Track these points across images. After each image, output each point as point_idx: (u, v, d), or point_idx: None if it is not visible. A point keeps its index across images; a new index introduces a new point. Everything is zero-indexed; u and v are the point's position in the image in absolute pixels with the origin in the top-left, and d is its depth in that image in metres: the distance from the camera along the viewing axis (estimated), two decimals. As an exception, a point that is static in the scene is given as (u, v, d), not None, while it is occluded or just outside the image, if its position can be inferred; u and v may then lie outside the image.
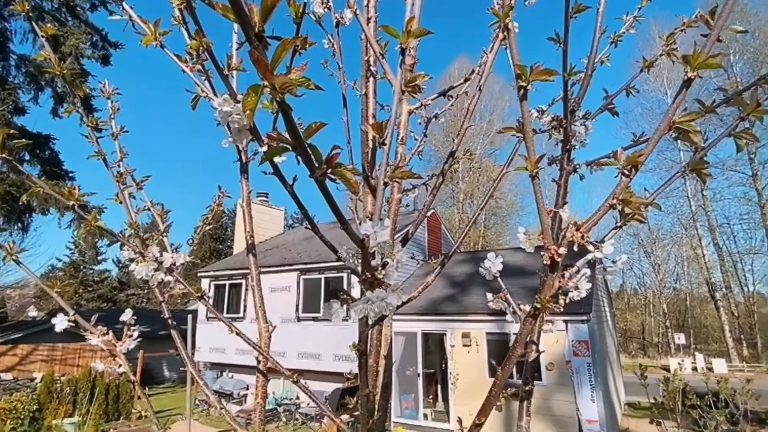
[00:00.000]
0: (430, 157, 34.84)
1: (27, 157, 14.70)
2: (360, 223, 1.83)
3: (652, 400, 5.01)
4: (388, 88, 1.76)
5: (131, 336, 1.48)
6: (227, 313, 14.47)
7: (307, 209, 0.91)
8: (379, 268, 0.64)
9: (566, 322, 8.79)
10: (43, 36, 1.31)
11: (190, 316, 9.14)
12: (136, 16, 1.22)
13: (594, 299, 9.79)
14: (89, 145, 1.63)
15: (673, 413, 4.88)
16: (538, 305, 0.81)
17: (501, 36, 1.30)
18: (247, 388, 13.61)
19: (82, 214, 1.12)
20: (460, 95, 1.65)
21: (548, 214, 0.82)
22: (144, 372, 14.34)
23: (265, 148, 0.81)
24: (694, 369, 22.12)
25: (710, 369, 21.32)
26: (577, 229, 0.78)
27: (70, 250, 38.51)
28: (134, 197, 1.75)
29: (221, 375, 14.27)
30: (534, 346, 1.30)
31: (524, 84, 0.74)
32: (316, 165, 0.50)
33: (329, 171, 0.51)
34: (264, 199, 18.36)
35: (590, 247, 0.81)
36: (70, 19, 15.24)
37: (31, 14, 1.35)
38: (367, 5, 1.51)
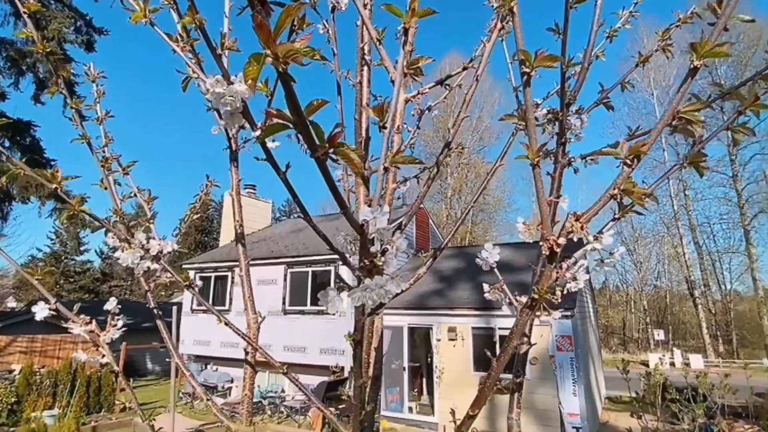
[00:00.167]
0: (420, 152, 34.85)
1: (6, 143, 14.30)
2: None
3: (633, 395, 5.12)
4: (381, 78, 1.73)
5: (115, 326, 1.44)
6: (212, 306, 14.33)
7: (300, 198, 0.88)
8: (379, 255, 0.62)
9: (549, 317, 8.89)
10: (25, 12, 1.26)
11: (175, 308, 9.02)
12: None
13: (578, 295, 9.93)
14: (71, 133, 1.57)
15: (653, 407, 4.99)
16: (536, 296, 0.80)
17: (499, 26, 1.28)
18: (232, 381, 13.54)
19: (66, 198, 1.07)
20: (453, 89, 1.63)
21: (548, 205, 0.81)
22: (127, 364, 14.16)
23: (258, 132, 0.78)
24: (672, 364, 22.69)
25: (687, 364, 21.89)
26: (577, 220, 0.78)
27: (51, 240, 37.68)
28: (119, 184, 1.70)
29: (205, 368, 14.16)
30: (525, 339, 1.30)
31: (528, 70, 0.73)
32: (318, 144, 0.48)
33: (331, 150, 0.49)
34: (251, 191, 18.17)
35: (590, 238, 0.81)
36: (53, 2, 14.80)
37: (11, -11, 1.29)
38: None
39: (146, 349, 17.66)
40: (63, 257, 37.31)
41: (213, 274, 14.65)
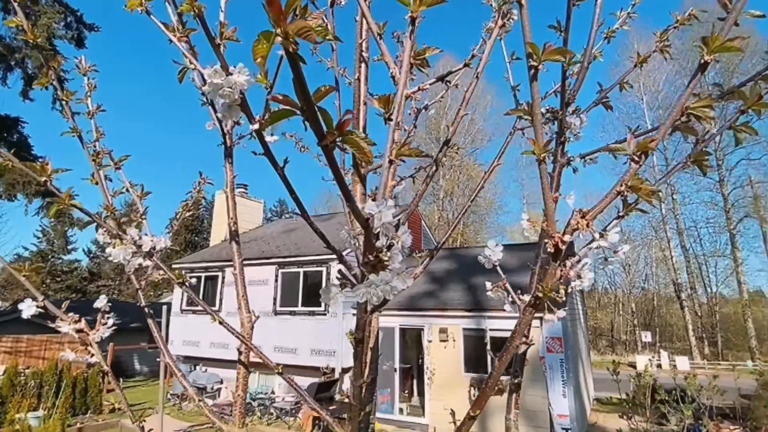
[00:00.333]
0: (412, 153, 34.83)
1: (-8, 140, 14.05)
2: (352, 219, 1.79)
3: (623, 396, 5.16)
4: (377, 76, 1.72)
5: (105, 324, 1.40)
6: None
7: (298, 194, 0.86)
8: (384, 250, 0.61)
9: (541, 318, 8.94)
10: (15, 0, 1.22)
11: (164, 308, 8.91)
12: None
13: (569, 296, 9.99)
14: (60, 131, 1.54)
15: (642, 408, 5.03)
16: (540, 294, 0.79)
17: (500, 23, 1.27)
18: (221, 382, 13.40)
19: (56, 191, 1.04)
20: (450, 88, 1.62)
21: (554, 201, 0.80)
22: (114, 365, 13.94)
23: (256, 126, 0.76)
24: (659, 366, 22.95)
25: (674, 366, 22.16)
26: (583, 217, 0.76)
27: (38, 238, 37.05)
28: (110, 180, 1.66)
29: (194, 369, 14.00)
30: (524, 338, 1.28)
31: (536, 63, 0.71)
32: (326, 131, 0.46)
33: (339, 139, 0.47)
34: (243, 191, 18.04)
35: (596, 236, 0.80)
36: (42, -4, 14.57)
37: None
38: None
39: (134, 350, 17.43)
40: (50, 256, 36.69)
41: (203, 274, 14.50)
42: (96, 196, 1.63)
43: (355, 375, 0.79)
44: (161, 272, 1.25)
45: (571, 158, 1.42)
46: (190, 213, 2.13)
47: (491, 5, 1.50)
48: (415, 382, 12.28)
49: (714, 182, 31.97)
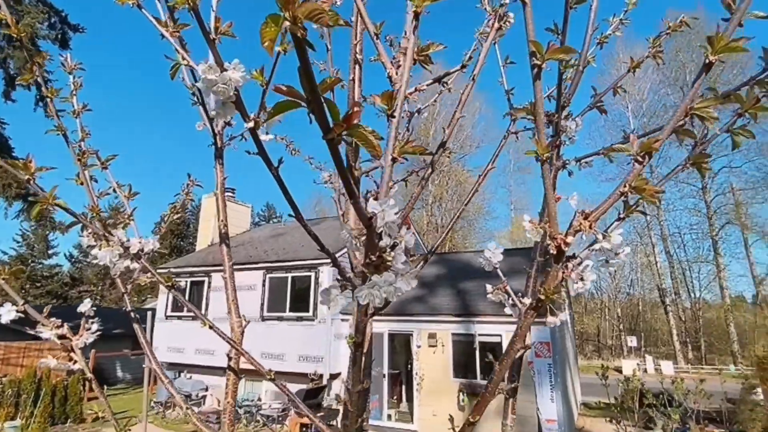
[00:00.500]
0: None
1: (-29, 141, 13.71)
2: (345, 221, 1.76)
3: (612, 400, 5.19)
4: (371, 78, 1.70)
5: (89, 329, 1.35)
6: (188, 312, 13.97)
7: (292, 195, 0.84)
8: (388, 250, 0.58)
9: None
10: (-3, -7, 1.18)
11: (149, 314, 8.74)
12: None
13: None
14: (42, 134, 1.49)
15: (630, 412, 5.06)
16: (542, 296, 0.77)
17: (497, 26, 1.27)
18: (206, 389, 13.17)
19: (38, 190, 1.00)
20: (444, 91, 1.62)
21: (557, 201, 0.79)
22: (96, 372, 13.61)
23: (251, 124, 0.74)
24: (645, 370, 23.22)
25: (658, 370, 22.45)
26: (585, 218, 0.75)
27: (18, 242, 36.19)
28: (96, 180, 1.61)
29: (179, 375, 13.74)
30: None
31: (539, 62, 0.70)
32: (333, 124, 0.44)
33: (345, 133, 0.44)
34: (231, 195, 17.86)
35: (599, 237, 0.79)
36: (25, -4, 14.32)
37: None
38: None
39: (116, 357, 17.05)
40: (30, 260, 35.80)
41: (189, 279, 14.27)
42: (80, 200, 1.58)
43: (354, 380, 0.76)
44: (149, 275, 1.21)
45: (567, 161, 1.42)
46: (178, 216, 2.08)
47: (485, 9, 1.50)
48: (403, 387, 12.22)
49: (697, 189, 32.70)
